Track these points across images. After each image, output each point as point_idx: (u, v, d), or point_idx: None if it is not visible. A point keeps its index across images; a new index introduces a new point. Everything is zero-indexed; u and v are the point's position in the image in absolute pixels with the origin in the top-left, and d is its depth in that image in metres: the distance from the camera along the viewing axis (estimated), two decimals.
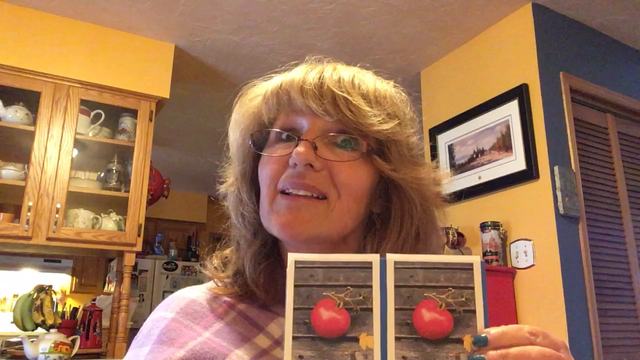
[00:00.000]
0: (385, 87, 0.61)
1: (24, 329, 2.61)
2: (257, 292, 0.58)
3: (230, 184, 0.64)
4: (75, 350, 2.46)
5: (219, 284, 0.61)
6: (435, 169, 0.61)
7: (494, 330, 0.40)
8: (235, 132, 0.62)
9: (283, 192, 0.56)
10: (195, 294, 0.61)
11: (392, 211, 0.59)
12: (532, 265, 2.33)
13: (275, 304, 0.59)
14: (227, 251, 0.64)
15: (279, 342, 0.55)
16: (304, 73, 0.57)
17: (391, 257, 0.43)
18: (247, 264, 0.59)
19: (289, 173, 0.55)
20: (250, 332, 0.56)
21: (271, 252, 0.60)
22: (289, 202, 0.55)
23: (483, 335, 0.40)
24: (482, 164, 2.63)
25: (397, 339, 0.41)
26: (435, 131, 2.98)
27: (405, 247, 0.58)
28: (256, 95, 0.62)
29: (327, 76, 0.56)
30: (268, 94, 0.59)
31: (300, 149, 0.54)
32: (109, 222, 2.71)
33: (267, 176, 0.57)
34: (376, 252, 0.58)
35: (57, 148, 2.58)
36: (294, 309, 0.42)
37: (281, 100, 0.57)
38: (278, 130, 0.58)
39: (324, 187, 0.55)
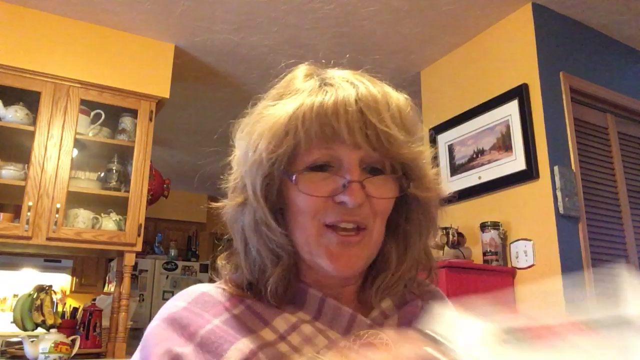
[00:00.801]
0: (405, 102, 0.61)
1: (24, 329, 2.61)
2: (272, 301, 0.59)
3: (244, 202, 0.60)
4: (75, 350, 2.46)
5: (233, 289, 0.62)
6: (436, 171, 0.64)
7: None
8: (259, 153, 0.57)
9: (328, 225, 0.57)
10: (207, 288, 0.63)
11: (412, 220, 0.63)
12: (532, 265, 2.33)
13: (284, 304, 0.60)
14: (230, 253, 0.65)
15: (283, 337, 0.56)
16: (343, 101, 0.56)
17: None
18: (272, 282, 0.59)
19: (337, 210, 0.56)
20: (257, 325, 0.57)
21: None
22: (340, 238, 0.57)
23: None
24: (482, 164, 2.63)
25: None
26: (435, 131, 2.98)
27: (419, 253, 0.63)
28: (283, 116, 0.57)
29: (365, 104, 0.56)
30: (307, 121, 0.55)
31: (355, 192, 0.55)
32: (109, 222, 2.71)
33: (311, 210, 0.57)
34: (398, 262, 0.62)
35: (57, 148, 2.58)
36: None
37: (325, 132, 0.55)
38: (316, 162, 0.57)
39: (367, 219, 0.58)
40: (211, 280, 0.65)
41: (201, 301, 0.59)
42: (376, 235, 0.59)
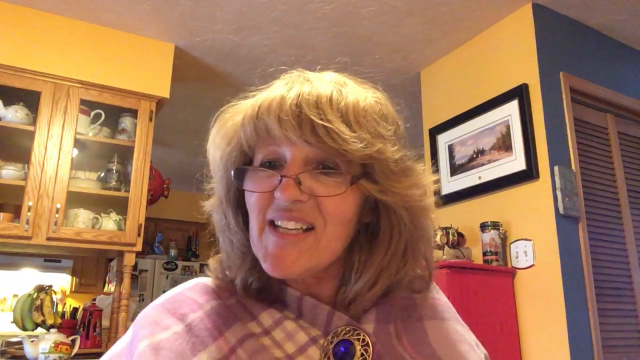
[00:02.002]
0: (367, 98, 0.59)
1: (24, 329, 2.61)
2: (249, 299, 0.61)
3: (215, 204, 0.64)
4: (75, 350, 2.46)
5: (222, 285, 0.64)
6: (424, 174, 0.61)
7: None
8: (216, 155, 0.62)
9: (272, 223, 0.56)
10: (204, 280, 0.65)
11: (381, 226, 0.59)
12: (532, 265, 2.33)
13: (270, 301, 0.61)
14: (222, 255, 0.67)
15: (268, 332, 0.57)
16: (280, 97, 0.55)
17: None
18: (238, 281, 0.61)
19: (276, 205, 0.55)
20: (244, 317, 0.59)
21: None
22: (276, 239, 0.55)
23: None
24: (482, 164, 2.63)
25: None
26: (435, 131, 2.98)
27: (393, 260, 0.59)
28: (234, 118, 0.60)
29: (304, 100, 0.54)
30: (246, 120, 0.57)
31: (285, 187, 0.54)
32: (109, 222, 2.71)
33: (255, 207, 0.57)
34: (364, 267, 0.59)
35: (57, 148, 2.58)
36: None
37: (259, 130, 0.56)
38: (263, 159, 0.58)
39: (310, 217, 0.55)
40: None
41: (197, 288, 0.62)
42: (327, 239, 0.55)
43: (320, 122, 0.53)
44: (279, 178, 0.54)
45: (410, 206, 0.58)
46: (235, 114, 0.60)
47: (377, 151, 0.55)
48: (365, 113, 0.57)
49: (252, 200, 0.58)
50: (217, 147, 0.61)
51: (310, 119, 0.53)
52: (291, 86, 0.57)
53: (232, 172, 0.58)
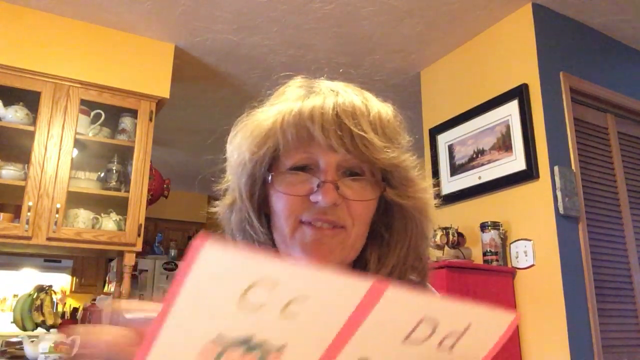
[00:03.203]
0: (386, 111, 0.64)
1: (24, 329, 2.61)
2: None
3: (233, 203, 0.65)
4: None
5: None
6: (426, 178, 0.66)
7: None
8: (244, 156, 0.62)
9: (303, 222, 0.60)
10: None
11: (395, 225, 0.64)
12: (532, 265, 2.33)
13: None
14: None
15: None
16: (320, 107, 0.58)
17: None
18: None
19: (312, 209, 0.59)
20: None
21: None
22: (314, 232, 0.59)
23: None
24: (482, 164, 2.63)
25: None
26: (435, 131, 2.97)
27: (403, 253, 0.64)
28: (265, 122, 0.62)
29: (342, 111, 0.58)
30: (286, 126, 0.59)
31: (326, 191, 0.57)
32: (109, 222, 2.71)
33: (288, 210, 0.60)
34: (383, 260, 0.63)
35: (57, 148, 2.58)
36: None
37: (301, 135, 0.59)
38: (295, 164, 0.60)
39: (342, 219, 0.59)
40: None
41: None
42: (354, 238, 0.60)
43: (358, 132, 0.58)
44: (318, 182, 0.58)
45: (421, 208, 0.64)
46: (265, 119, 0.62)
47: (401, 160, 0.61)
48: (389, 124, 0.62)
49: (283, 202, 0.60)
50: (246, 149, 0.62)
51: (349, 129, 0.58)
52: (325, 96, 0.60)
53: (270, 176, 0.61)
